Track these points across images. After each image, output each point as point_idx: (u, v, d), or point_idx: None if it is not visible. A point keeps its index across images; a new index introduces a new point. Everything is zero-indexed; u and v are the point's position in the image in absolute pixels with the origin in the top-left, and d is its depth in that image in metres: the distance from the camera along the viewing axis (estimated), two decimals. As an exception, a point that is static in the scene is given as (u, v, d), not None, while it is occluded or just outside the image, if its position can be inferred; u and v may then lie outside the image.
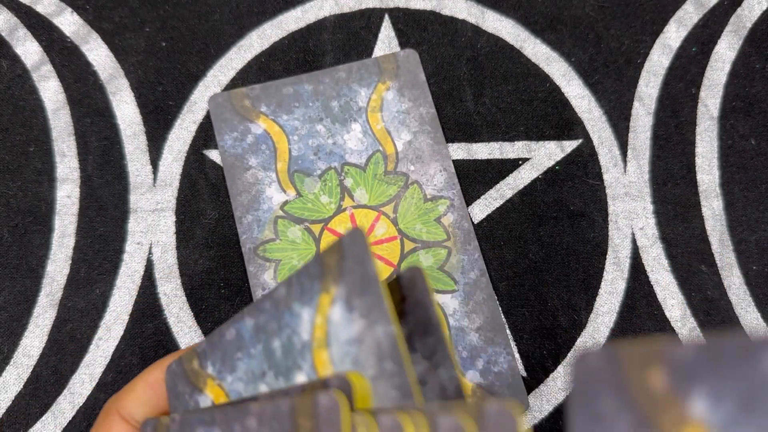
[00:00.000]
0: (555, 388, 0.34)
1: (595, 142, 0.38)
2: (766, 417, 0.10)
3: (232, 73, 0.39)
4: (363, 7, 0.40)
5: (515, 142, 0.38)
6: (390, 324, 0.16)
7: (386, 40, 0.40)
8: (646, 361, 0.11)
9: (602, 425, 0.11)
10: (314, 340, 0.17)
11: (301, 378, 0.17)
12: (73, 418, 0.33)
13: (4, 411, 0.34)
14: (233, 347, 0.19)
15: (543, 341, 0.35)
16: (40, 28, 0.40)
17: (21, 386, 0.34)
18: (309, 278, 0.17)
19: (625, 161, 0.38)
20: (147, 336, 0.35)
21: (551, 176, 0.38)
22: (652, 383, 0.11)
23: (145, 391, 0.21)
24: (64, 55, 0.39)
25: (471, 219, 0.37)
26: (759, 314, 0.35)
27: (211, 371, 0.19)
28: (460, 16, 0.40)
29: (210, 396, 0.19)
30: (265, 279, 0.35)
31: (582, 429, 0.11)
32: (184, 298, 0.35)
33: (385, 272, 0.36)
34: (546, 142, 0.38)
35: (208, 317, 0.35)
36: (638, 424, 0.11)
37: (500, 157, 0.38)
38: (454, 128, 0.38)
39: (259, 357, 0.18)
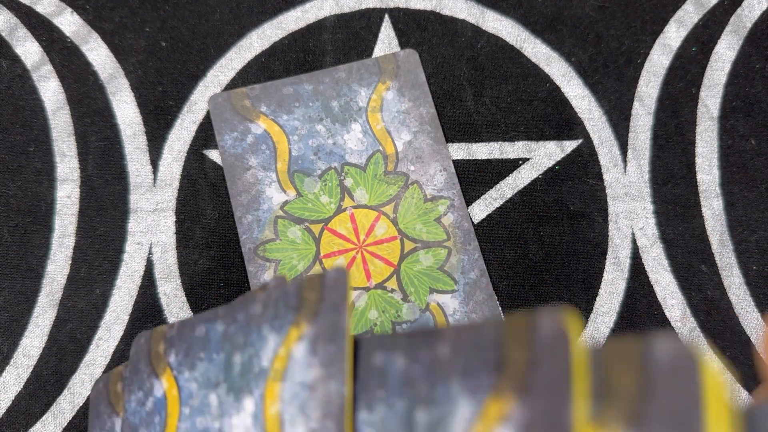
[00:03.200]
0: (555, 388, 0.34)
1: (595, 142, 0.38)
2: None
3: (232, 73, 0.39)
4: (363, 7, 0.40)
5: (515, 142, 0.38)
6: (343, 385, 0.15)
7: (386, 40, 0.40)
8: None
9: None
10: (272, 370, 0.17)
11: (248, 403, 0.17)
12: (73, 418, 0.34)
13: (4, 411, 0.34)
14: (199, 345, 0.18)
15: (543, 341, 0.35)
16: (40, 28, 0.40)
17: (21, 386, 0.34)
18: (285, 306, 0.17)
19: (625, 161, 0.38)
20: (147, 336, 0.35)
21: (551, 176, 0.38)
22: None
23: None
24: (64, 55, 0.39)
25: (471, 219, 0.37)
26: (759, 314, 0.35)
27: (171, 360, 0.19)
28: (460, 16, 0.40)
29: (165, 384, 0.19)
30: (265, 279, 0.35)
31: None
32: (184, 298, 0.35)
33: (385, 273, 0.36)
34: (546, 142, 0.38)
35: (208, 317, 0.35)
36: None
37: (500, 157, 0.38)
38: (454, 128, 0.38)
39: (219, 365, 0.18)
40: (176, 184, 0.37)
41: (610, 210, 0.37)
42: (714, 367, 0.11)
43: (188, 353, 0.18)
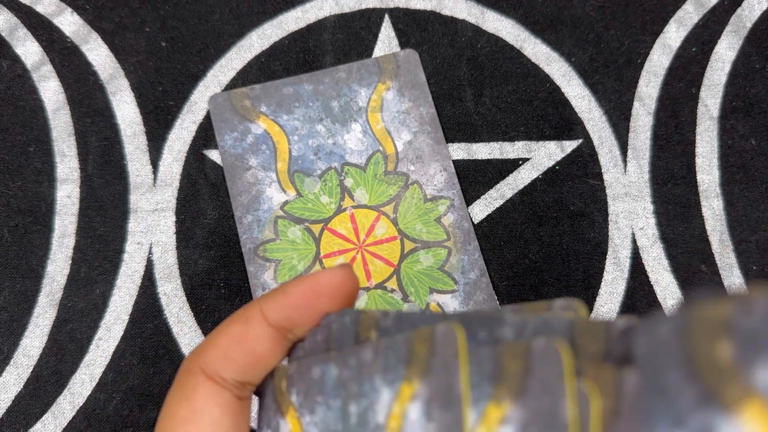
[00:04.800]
0: (555, 388, 0.34)
1: (595, 142, 0.38)
2: None
3: (232, 73, 0.39)
4: (363, 7, 0.40)
5: (515, 142, 0.38)
6: None
7: (386, 40, 0.40)
8: (715, 332, 0.11)
9: (666, 398, 0.11)
10: (387, 429, 0.16)
11: None
12: (73, 418, 0.34)
13: (4, 411, 0.34)
14: (315, 388, 0.18)
15: (543, 341, 0.35)
16: (40, 28, 0.40)
17: (21, 386, 0.34)
18: (395, 357, 0.17)
19: (625, 161, 0.38)
20: (147, 336, 0.35)
21: (551, 176, 0.38)
22: (719, 355, 0.11)
23: (231, 346, 0.19)
24: (64, 55, 0.39)
25: (471, 219, 0.37)
26: (759, 314, 0.35)
27: (294, 399, 0.18)
28: (460, 16, 0.40)
29: (289, 425, 0.18)
30: (265, 279, 0.35)
31: (647, 403, 0.11)
32: (184, 298, 0.35)
33: (385, 273, 0.36)
34: (546, 142, 0.38)
35: (208, 317, 0.35)
36: (702, 396, 0.10)
37: (500, 157, 0.38)
38: (454, 128, 0.38)
39: (336, 413, 0.17)
40: (176, 184, 0.37)
41: (610, 210, 0.37)
42: (569, 355, 0.15)
43: (307, 395, 0.18)
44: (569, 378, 0.14)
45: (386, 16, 0.40)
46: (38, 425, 0.33)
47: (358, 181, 0.37)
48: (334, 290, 0.19)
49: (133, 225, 0.36)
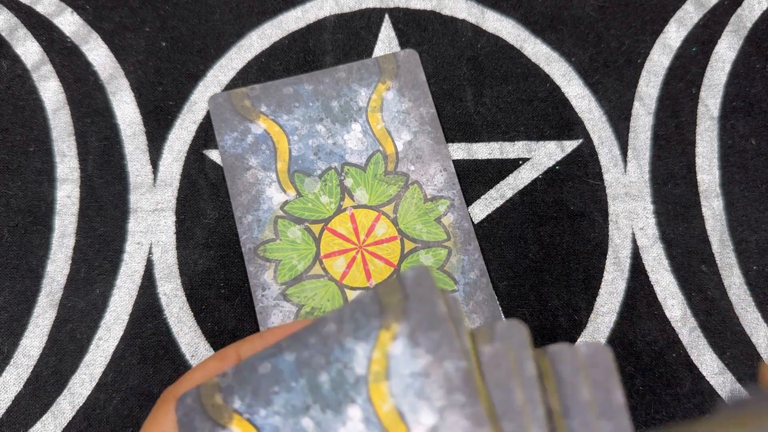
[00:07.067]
0: (555, 388, 0.34)
1: (596, 142, 0.38)
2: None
3: (232, 73, 0.39)
4: (363, 7, 0.40)
5: (515, 142, 0.38)
6: (461, 360, 0.17)
7: (386, 40, 0.40)
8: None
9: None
10: (371, 374, 0.18)
11: (353, 410, 0.18)
12: (73, 418, 0.34)
13: (4, 411, 0.34)
14: (269, 381, 0.19)
15: (543, 341, 0.35)
16: (40, 28, 0.40)
17: (21, 386, 0.34)
18: (365, 316, 0.18)
19: (625, 161, 0.38)
20: (147, 336, 0.35)
21: (551, 176, 0.38)
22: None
23: (203, 379, 0.21)
24: (64, 55, 0.39)
25: (471, 219, 0.37)
26: (759, 314, 0.35)
27: (237, 406, 0.19)
28: (460, 16, 0.40)
29: (236, 430, 0.19)
30: (265, 279, 0.35)
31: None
32: (184, 298, 0.35)
33: (385, 273, 0.36)
34: (546, 142, 0.38)
35: (208, 317, 0.35)
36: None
37: (500, 157, 0.38)
38: (454, 128, 0.38)
39: (301, 391, 0.19)
40: (176, 184, 0.37)
41: (611, 210, 0.37)
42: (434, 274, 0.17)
43: (257, 393, 0.19)
44: (438, 290, 0.18)
45: (386, 16, 0.40)
46: (38, 425, 0.33)
47: (358, 181, 0.37)
48: None
49: (133, 225, 0.36)
